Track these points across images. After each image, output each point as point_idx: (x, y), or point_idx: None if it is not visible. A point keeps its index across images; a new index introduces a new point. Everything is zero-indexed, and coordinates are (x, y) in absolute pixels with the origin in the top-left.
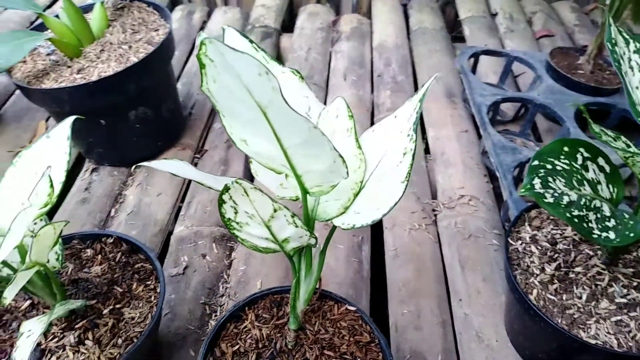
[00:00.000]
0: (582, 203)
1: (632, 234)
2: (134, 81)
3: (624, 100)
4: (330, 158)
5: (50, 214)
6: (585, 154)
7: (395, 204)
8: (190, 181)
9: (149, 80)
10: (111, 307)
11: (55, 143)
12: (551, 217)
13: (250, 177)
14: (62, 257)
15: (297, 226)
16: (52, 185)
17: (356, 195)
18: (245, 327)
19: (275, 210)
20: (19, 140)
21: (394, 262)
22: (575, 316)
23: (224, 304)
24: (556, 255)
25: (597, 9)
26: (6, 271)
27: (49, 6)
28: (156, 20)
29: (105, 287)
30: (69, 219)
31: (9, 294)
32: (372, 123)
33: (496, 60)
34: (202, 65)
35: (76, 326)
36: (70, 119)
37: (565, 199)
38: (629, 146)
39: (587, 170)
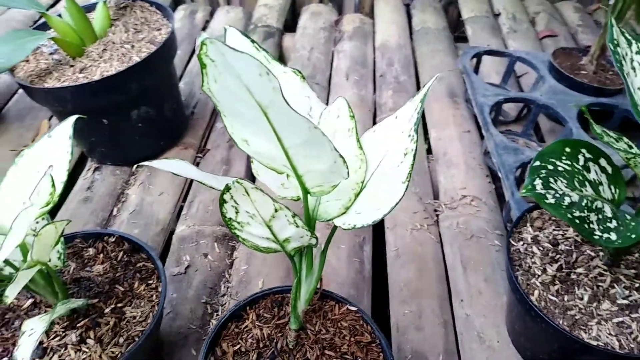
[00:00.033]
0: (583, 204)
1: (633, 235)
2: (137, 80)
3: (626, 101)
4: (331, 158)
5: (53, 213)
6: (587, 155)
7: (396, 205)
8: (192, 180)
9: (151, 80)
10: (113, 306)
11: (57, 142)
12: (553, 218)
13: (252, 177)
14: (64, 256)
15: (297, 226)
16: (53, 185)
17: (357, 195)
18: (247, 326)
19: (276, 210)
20: (22, 139)
21: (396, 262)
22: (576, 317)
23: (225, 304)
24: (558, 256)
25: (600, 9)
26: (8, 270)
27: (52, 5)
28: (159, 19)
29: (107, 286)
30: (72, 218)
31: (11, 292)
32: (374, 123)
33: (499, 60)
34: (203, 65)
35: (78, 325)
36: (72, 118)
37: (567, 200)
38: (631, 147)
39: (588, 171)
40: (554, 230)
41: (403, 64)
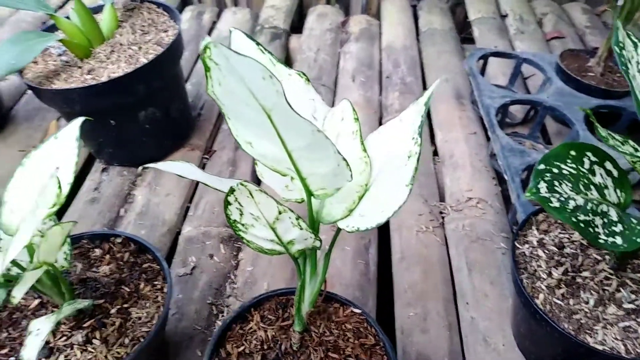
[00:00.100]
0: (588, 208)
1: (639, 239)
2: (144, 82)
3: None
4: (334, 161)
5: (60, 213)
6: (593, 158)
7: (399, 208)
8: (198, 182)
9: (158, 81)
10: (119, 306)
11: (63, 144)
12: (559, 221)
13: (258, 179)
14: (71, 257)
15: (301, 228)
16: (60, 186)
17: (361, 198)
18: (251, 328)
19: (280, 213)
20: (31, 140)
21: (401, 264)
22: (582, 321)
23: (230, 305)
24: (563, 259)
25: (609, 10)
26: (16, 270)
27: (61, 7)
28: (166, 21)
29: (113, 287)
30: (79, 219)
31: (18, 293)
32: (380, 124)
33: (506, 62)
34: (207, 69)
35: (84, 325)
36: (79, 120)
37: (572, 204)
38: (636, 150)
39: (594, 174)
40: (559, 233)
41: (409, 65)
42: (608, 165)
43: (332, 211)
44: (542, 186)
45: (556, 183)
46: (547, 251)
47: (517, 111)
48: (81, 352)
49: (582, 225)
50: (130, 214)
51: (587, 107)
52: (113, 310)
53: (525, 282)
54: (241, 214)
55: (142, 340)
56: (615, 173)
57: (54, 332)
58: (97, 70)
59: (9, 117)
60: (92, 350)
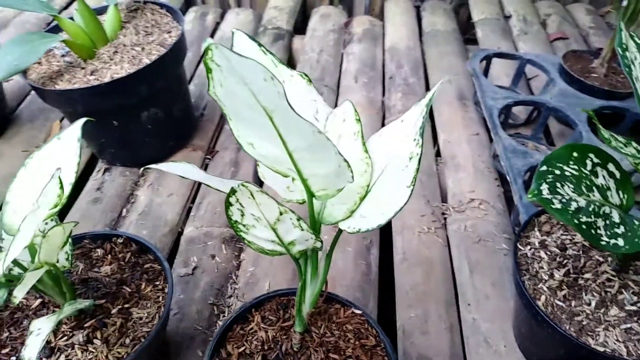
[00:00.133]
0: (590, 209)
1: None
2: (146, 83)
3: None
4: (335, 162)
5: (63, 213)
6: (595, 160)
7: (400, 209)
8: (201, 182)
9: (161, 82)
10: (120, 306)
11: (65, 144)
12: (561, 223)
13: (260, 180)
14: (72, 257)
15: (302, 229)
16: (61, 187)
17: (362, 199)
18: (252, 328)
19: (281, 214)
20: (34, 140)
21: (403, 265)
22: (583, 323)
23: (232, 305)
24: (565, 261)
25: (613, 11)
26: (17, 270)
27: (65, 8)
28: (169, 22)
29: (114, 287)
30: (81, 219)
31: (19, 293)
32: (383, 125)
33: (509, 63)
34: (208, 70)
35: (85, 325)
36: (81, 121)
37: (573, 205)
38: (639, 152)
39: (596, 176)
40: (562, 234)
41: (412, 66)
42: (611, 166)
43: (333, 212)
44: (544, 188)
45: (558, 185)
46: (549, 252)
47: (520, 112)
48: (82, 352)
49: (584, 227)
50: (132, 214)
51: (591, 108)
52: (114, 310)
53: (527, 283)
54: (242, 215)
55: (142, 340)
56: (617, 175)
57: (55, 332)
58: (100, 71)
59: (12, 117)
60: (93, 350)
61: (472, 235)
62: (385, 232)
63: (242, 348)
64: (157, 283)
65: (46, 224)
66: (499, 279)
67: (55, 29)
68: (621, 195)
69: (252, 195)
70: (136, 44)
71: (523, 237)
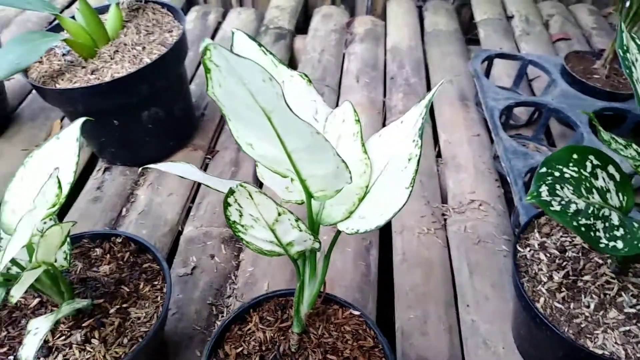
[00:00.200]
0: (590, 211)
1: None
2: (147, 82)
3: None
4: (334, 163)
5: (63, 212)
6: (595, 162)
7: (399, 210)
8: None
9: (162, 81)
10: (118, 306)
11: (64, 144)
12: (561, 225)
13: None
14: (70, 257)
15: (301, 230)
16: (60, 186)
17: (361, 200)
18: (250, 329)
19: (279, 214)
20: (35, 139)
21: (402, 266)
22: (582, 325)
23: (230, 305)
24: (565, 263)
25: (615, 12)
26: (15, 269)
27: (67, 7)
28: (170, 21)
29: (112, 287)
30: (81, 218)
31: (16, 292)
32: (384, 125)
33: (510, 63)
34: (207, 70)
35: (83, 325)
36: (80, 120)
37: (573, 207)
38: (639, 154)
39: (596, 178)
40: (561, 236)
41: (414, 66)
42: (611, 168)
43: (332, 213)
44: (544, 190)
45: (557, 186)
46: (548, 254)
47: (521, 113)
48: (80, 352)
49: (583, 229)
50: (132, 214)
51: (592, 110)
52: (112, 310)
53: (526, 285)
54: (240, 215)
55: (140, 340)
56: (617, 177)
57: (53, 331)
58: (100, 70)
59: (13, 116)
60: (91, 350)
61: (472, 237)
62: (385, 232)
63: (240, 348)
64: (156, 283)
65: (44, 223)
66: (499, 280)
67: (57, 28)
68: (621, 198)
69: (250, 195)
70: (137, 43)
71: (522, 239)
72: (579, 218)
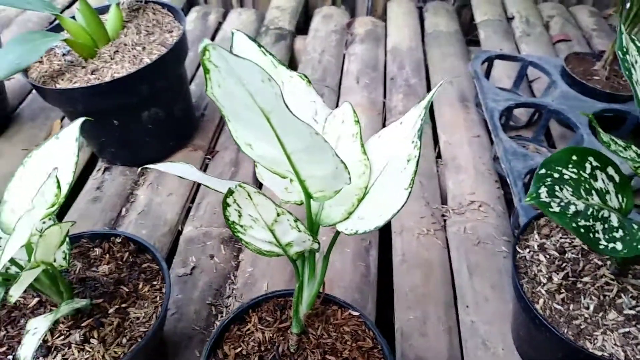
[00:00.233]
0: (589, 213)
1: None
2: (147, 82)
3: None
4: (333, 164)
5: (63, 212)
6: (595, 163)
7: (398, 211)
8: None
9: (162, 82)
10: (117, 306)
11: (64, 144)
12: (560, 226)
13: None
14: (69, 256)
15: (300, 231)
16: (59, 186)
17: (360, 200)
18: (249, 329)
19: (278, 215)
20: (35, 139)
21: (402, 267)
22: (581, 327)
23: (230, 305)
24: (564, 264)
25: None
26: (14, 269)
27: (67, 7)
28: (170, 21)
29: (111, 287)
30: (81, 218)
31: (15, 292)
32: (384, 126)
33: (510, 64)
34: (206, 71)
35: (82, 324)
36: (79, 120)
37: (572, 209)
38: (639, 156)
39: (595, 179)
40: (561, 238)
41: (414, 67)
42: (610, 170)
43: (331, 214)
44: (543, 191)
45: (557, 188)
46: (548, 256)
47: (521, 114)
48: (79, 352)
49: (582, 230)
50: (131, 214)
51: (592, 111)
52: (111, 310)
53: (525, 286)
54: (240, 216)
55: (139, 340)
56: (617, 178)
57: (52, 331)
58: (100, 70)
59: (13, 116)
60: (90, 350)
61: (471, 238)
62: (385, 233)
63: (239, 349)
64: (155, 283)
65: (44, 223)
66: (498, 281)
67: (57, 28)
68: (620, 199)
69: (249, 196)
70: (137, 43)
71: (522, 240)
72: (578, 219)
